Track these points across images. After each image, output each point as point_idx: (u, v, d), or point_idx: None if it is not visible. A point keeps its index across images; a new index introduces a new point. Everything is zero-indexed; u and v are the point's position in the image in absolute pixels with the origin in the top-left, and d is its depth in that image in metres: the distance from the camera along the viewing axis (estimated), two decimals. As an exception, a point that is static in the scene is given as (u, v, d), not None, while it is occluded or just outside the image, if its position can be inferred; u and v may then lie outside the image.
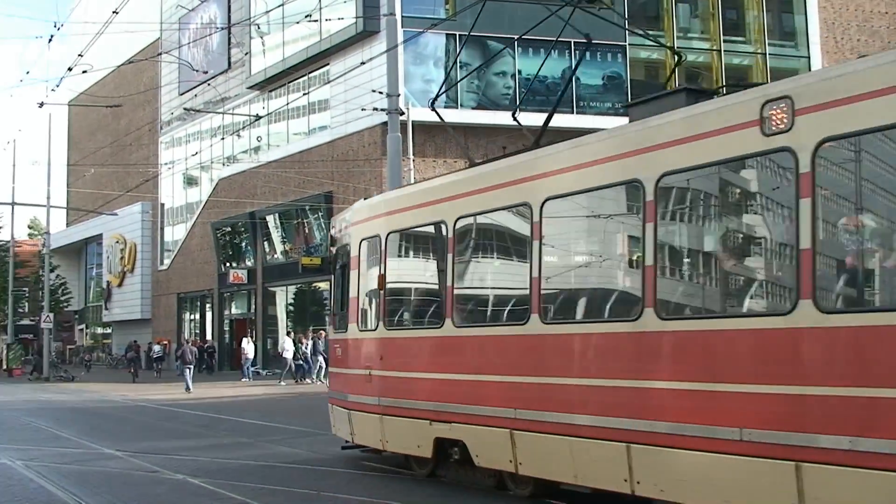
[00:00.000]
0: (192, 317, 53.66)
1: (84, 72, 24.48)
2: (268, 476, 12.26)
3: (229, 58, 46.11)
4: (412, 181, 27.16)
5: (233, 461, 13.95)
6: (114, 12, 18.39)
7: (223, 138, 44.14)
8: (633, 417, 8.31)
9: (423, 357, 11.44)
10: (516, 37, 35.87)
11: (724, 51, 38.64)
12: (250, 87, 43.93)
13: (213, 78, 45.56)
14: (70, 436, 18.00)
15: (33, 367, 49.96)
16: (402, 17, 30.88)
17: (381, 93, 26.49)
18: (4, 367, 52.31)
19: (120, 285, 60.68)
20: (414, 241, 12.14)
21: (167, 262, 55.29)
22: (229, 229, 47.88)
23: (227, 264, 47.63)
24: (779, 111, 7.22)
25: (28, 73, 69.09)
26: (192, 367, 33.48)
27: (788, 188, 7.19)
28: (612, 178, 8.78)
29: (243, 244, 47.17)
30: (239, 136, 42.97)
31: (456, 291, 10.79)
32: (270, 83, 42.66)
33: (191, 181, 52.96)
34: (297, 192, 39.69)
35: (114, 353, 60.54)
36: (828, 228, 7.07)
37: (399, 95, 22.66)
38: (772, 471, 7.09)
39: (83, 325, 72.63)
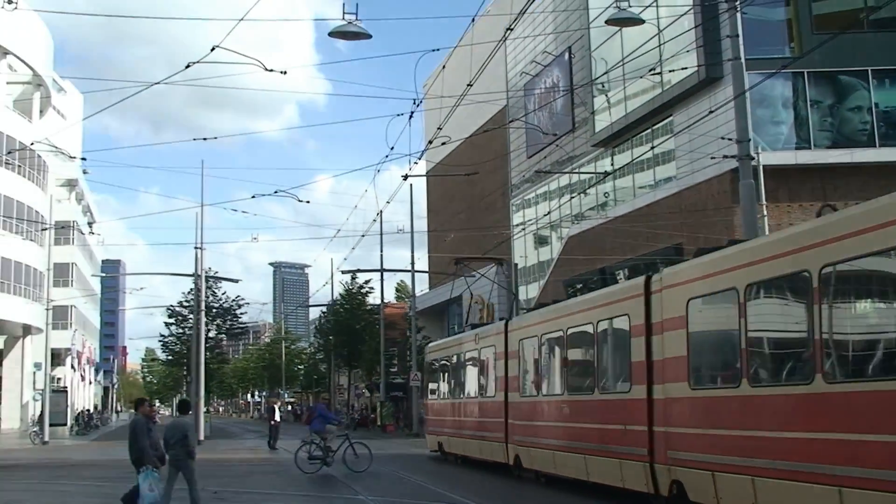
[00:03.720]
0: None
1: (443, 143, 26.12)
2: None
3: (573, 118, 47.11)
4: (766, 229, 26.27)
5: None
6: (468, 85, 19.44)
7: (571, 197, 45.06)
8: None
9: (447, 411, 28.22)
10: (870, 68, 34.01)
11: None
12: (595, 145, 44.59)
13: (559, 139, 46.75)
14: (444, 491, 18.91)
15: (405, 423, 53.19)
16: (746, 59, 30.14)
17: (729, 139, 25.92)
18: (378, 423, 56.13)
19: (479, 344, 63.07)
20: (441, 365, 29.89)
21: (523, 320, 56.72)
22: (581, 286, 48.53)
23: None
24: None
25: (392, 148, 74.01)
26: None
27: None
28: None
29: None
30: (586, 193, 43.68)
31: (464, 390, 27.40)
32: (614, 139, 43.02)
33: (541, 240, 54.40)
34: (647, 247, 39.54)
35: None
36: None
37: (749, 140, 22.01)
38: None
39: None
